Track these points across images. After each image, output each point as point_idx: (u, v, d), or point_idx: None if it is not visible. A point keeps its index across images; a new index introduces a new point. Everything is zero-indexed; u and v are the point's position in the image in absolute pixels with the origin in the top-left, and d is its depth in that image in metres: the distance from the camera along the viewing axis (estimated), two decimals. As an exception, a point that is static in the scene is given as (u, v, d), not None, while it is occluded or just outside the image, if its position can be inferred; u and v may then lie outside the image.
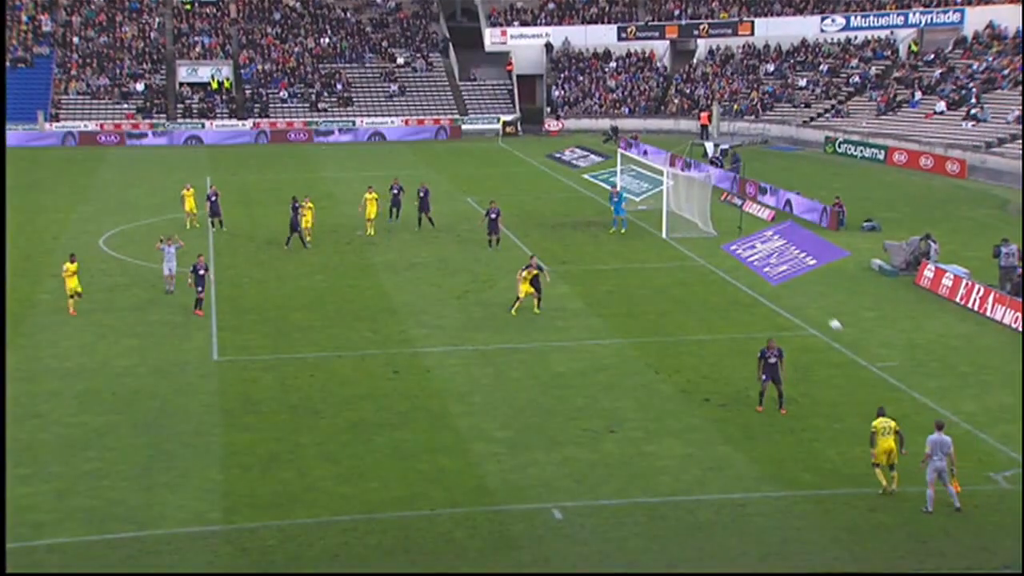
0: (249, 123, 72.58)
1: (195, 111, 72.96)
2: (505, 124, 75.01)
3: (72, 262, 29.53)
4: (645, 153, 59.09)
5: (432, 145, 71.19)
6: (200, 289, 29.45)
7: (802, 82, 71.43)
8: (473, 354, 26.99)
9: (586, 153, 64.49)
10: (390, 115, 76.41)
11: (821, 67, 71.96)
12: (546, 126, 75.93)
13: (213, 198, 41.44)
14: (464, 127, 75.82)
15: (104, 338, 28.25)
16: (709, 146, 60.58)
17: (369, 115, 76.12)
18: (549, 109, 78.84)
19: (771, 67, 74.41)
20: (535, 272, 29.35)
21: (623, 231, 41.44)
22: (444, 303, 31.43)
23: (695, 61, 78.57)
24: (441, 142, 72.86)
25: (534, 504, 19.07)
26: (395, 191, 42.84)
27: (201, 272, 29.46)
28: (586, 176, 56.56)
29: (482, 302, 31.83)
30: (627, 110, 77.27)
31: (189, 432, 22.22)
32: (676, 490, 19.66)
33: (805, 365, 26.11)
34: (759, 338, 28.22)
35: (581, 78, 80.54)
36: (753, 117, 70.56)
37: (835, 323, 27.21)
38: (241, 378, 25.17)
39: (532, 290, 29.45)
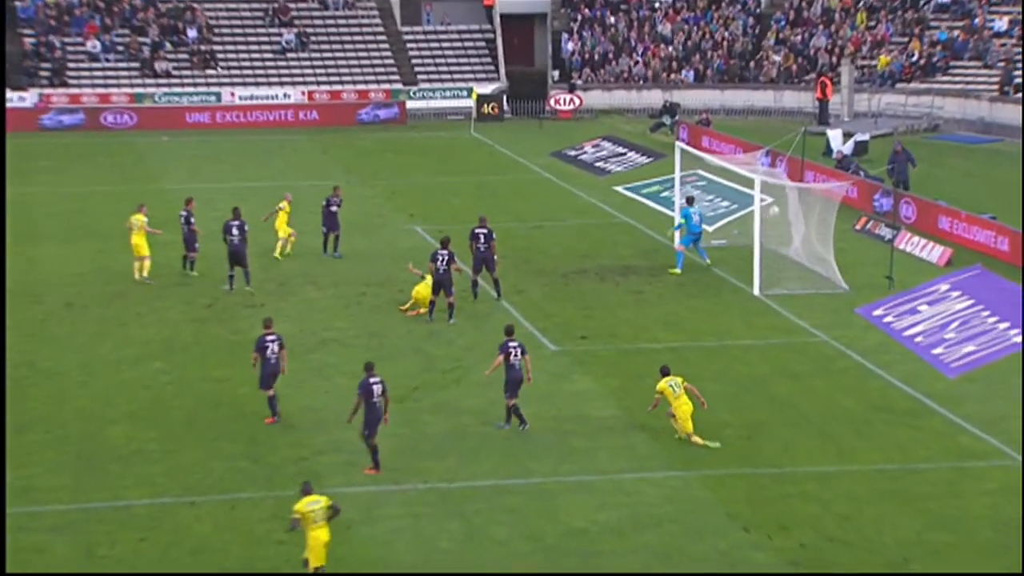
0: (32, 95, 72.98)
1: (-60, 76, 73.47)
2: (482, 100, 75.66)
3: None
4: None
5: (356, 135, 71.60)
6: None
7: (1000, 23, 72.16)
8: (427, 497, 26.90)
9: (622, 149, 65.02)
10: (281, 83, 77.04)
11: (1031, -1, 72.72)
12: (552, 103, 76.61)
13: (187, 216, 42.63)
14: (412, 104, 76.48)
15: None
16: (833, 136, 61.15)
17: (245, 83, 76.74)
18: (557, 74, 79.67)
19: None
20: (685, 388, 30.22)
21: (706, 261, 42.51)
22: (376, 409, 31.41)
23: (808, -9, 79.67)
24: (371, 129, 73.33)
25: None
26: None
27: None
28: (621, 189, 56.82)
29: (443, 406, 31.74)
30: (691, 74, 78.08)
31: (-76, 639, 21.85)
32: None
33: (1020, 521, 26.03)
34: (925, 470, 28.12)
35: (612, 20, 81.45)
36: (912, 85, 71.31)
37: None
38: (16, 546, 24.91)
39: (690, 409, 29.73)
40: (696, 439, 29.19)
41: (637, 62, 78.55)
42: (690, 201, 44.01)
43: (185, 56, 77.27)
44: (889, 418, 31.15)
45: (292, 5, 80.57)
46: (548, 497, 26.86)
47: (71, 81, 74.46)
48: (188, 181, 57.88)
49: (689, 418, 29.28)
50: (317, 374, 33.86)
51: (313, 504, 23.40)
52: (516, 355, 29.99)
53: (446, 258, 37.48)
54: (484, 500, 26.75)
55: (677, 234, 44.45)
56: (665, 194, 52.09)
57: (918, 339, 36.14)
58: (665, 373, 29.78)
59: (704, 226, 43.67)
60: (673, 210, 47.56)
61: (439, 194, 56.50)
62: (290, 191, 47.18)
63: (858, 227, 48.28)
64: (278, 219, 45.45)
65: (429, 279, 38.21)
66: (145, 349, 35.99)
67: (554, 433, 30.01)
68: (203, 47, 77.65)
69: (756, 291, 40.71)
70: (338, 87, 76.89)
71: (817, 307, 39.48)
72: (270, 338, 30.67)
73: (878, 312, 38.41)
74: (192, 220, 42.48)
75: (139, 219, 42.20)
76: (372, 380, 27.78)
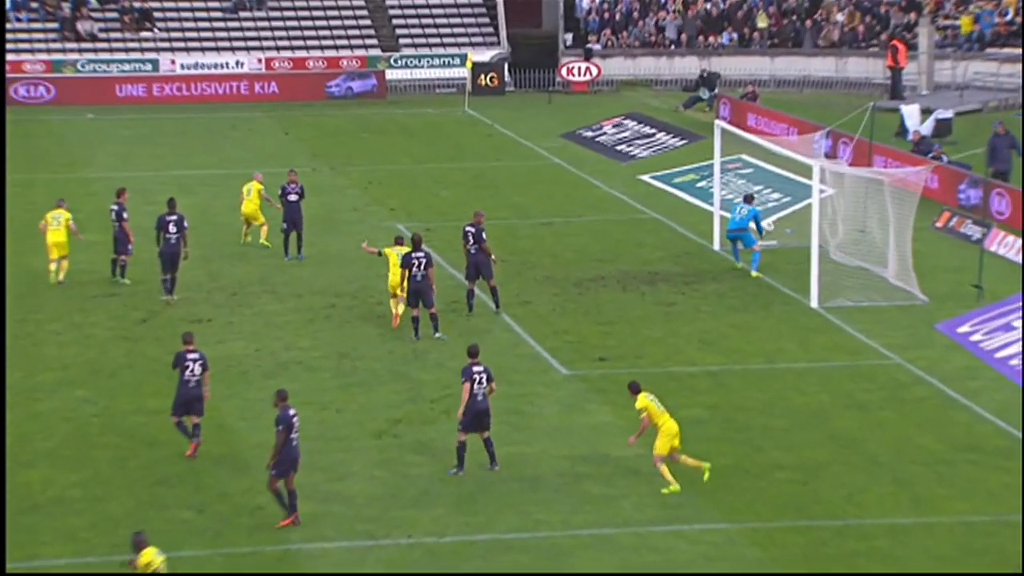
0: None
1: None
2: (479, 69, 75.55)
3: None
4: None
5: (324, 112, 71.41)
6: None
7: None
8: (411, 554, 26.83)
9: (649, 129, 64.94)
10: (233, 48, 76.88)
11: None
12: (564, 73, 76.52)
13: (118, 211, 42.73)
14: (392, 75, 76.33)
15: None
16: (909, 112, 60.97)
17: (188, 48, 76.58)
18: (570, 38, 79.51)
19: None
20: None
21: (753, 273, 42.86)
22: (350, 447, 31.34)
23: (877, -64, 79.55)
24: (343, 105, 73.21)
25: None
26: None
27: None
28: (648, 178, 56.70)
29: (430, 444, 31.70)
30: (733, 37, 77.88)
31: None
32: None
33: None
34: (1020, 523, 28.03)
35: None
36: (1006, 51, 70.95)
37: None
38: (-91, 611, 24.84)
39: (675, 434, 29.58)
40: (687, 459, 29.07)
41: (666, 24, 78.38)
42: (749, 200, 43.82)
43: (115, 15, 77.22)
44: (977, 459, 30.97)
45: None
46: (559, 554, 26.77)
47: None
48: (119, 168, 57.83)
49: (677, 436, 29.04)
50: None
51: (160, 555, 23.41)
52: (480, 382, 29.80)
53: (423, 262, 37.46)
54: (481, 558, 26.64)
55: (716, 230, 44.58)
56: (701, 184, 52.04)
57: (1013, 362, 36.04)
58: (636, 390, 29.50)
59: (753, 225, 43.44)
60: (712, 204, 47.51)
61: (425, 184, 56.39)
62: (245, 180, 47.13)
63: (939, 224, 48.20)
64: (247, 203, 45.77)
65: (390, 254, 38.38)
66: (65, 374, 35.85)
67: (566, 476, 29.90)
68: (137, 4, 77.58)
69: (814, 303, 40.65)
70: (302, 53, 76.83)
71: (889, 322, 39.41)
72: (191, 356, 30.66)
73: (963, 329, 38.31)
74: (124, 216, 42.41)
75: (64, 216, 42.12)
76: (292, 412, 27.82)
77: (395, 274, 38.14)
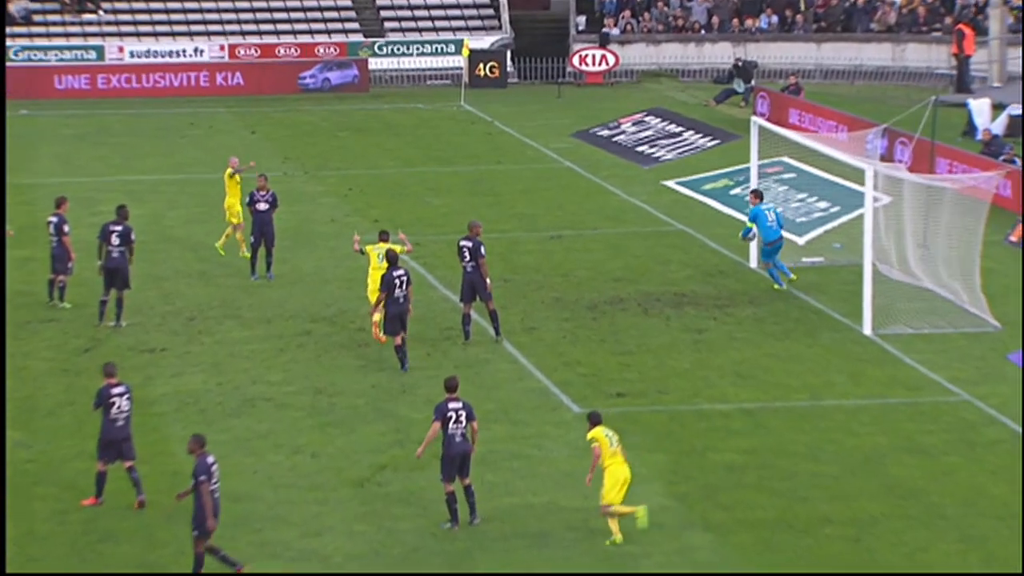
0: None
1: None
2: (477, 58, 75.62)
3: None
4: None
5: (297, 108, 71.45)
6: None
7: None
8: (397, 626, 26.88)
9: (675, 128, 65.01)
10: (191, 33, 76.91)
11: None
12: (576, 62, 76.58)
13: (57, 224, 42.64)
14: (376, 64, 76.37)
15: None
16: (978, 107, 60.93)
17: (139, 33, 76.59)
18: (583, 21, 79.60)
19: None
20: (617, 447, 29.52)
21: (783, 284, 43.03)
22: (327, 498, 31.40)
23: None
24: (319, 99, 73.24)
25: None
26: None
27: None
28: (674, 184, 56.72)
29: (420, 493, 31.66)
30: (773, 21, 77.93)
31: None
32: None
33: None
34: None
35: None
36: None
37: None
38: None
39: (626, 475, 29.55)
40: (620, 508, 28.83)
41: (692, 5, 78.54)
42: (758, 196, 43.91)
43: (55, -4, 77.42)
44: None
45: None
46: (571, 623, 26.79)
47: None
48: (58, 174, 57.88)
49: (623, 487, 28.83)
50: (242, 447, 33.69)
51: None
52: (459, 420, 29.70)
53: (405, 281, 37.55)
54: (479, 627, 26.71)
55: (752, 245, 44.59)
56: (736, 191, 52.05)
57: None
58: (596, 421, 29.17)
59: (784, 232, 43.51)
60: (755, 195, 47.57)
61: (414, 191, 56.43)
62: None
63: (1013, 238, 48.20)
64: (229, 195, 46.19)
65: (371, 252, 38.88)
66: (-7, 412, 35.91)
67: (580, 532, 29.84)
68: (80, -17, 77.82)
69: (867, 329, 40.68)
70: (272, 39, 76.88)
71: (955, 352, 39.41)
72: (117, 390, 30.53)
73: (1043, 361, 38.35)
74: (65, 229, 42.34)
75: None
76: (211, 460, 27.70)
77: (374, 280, 38.32)
